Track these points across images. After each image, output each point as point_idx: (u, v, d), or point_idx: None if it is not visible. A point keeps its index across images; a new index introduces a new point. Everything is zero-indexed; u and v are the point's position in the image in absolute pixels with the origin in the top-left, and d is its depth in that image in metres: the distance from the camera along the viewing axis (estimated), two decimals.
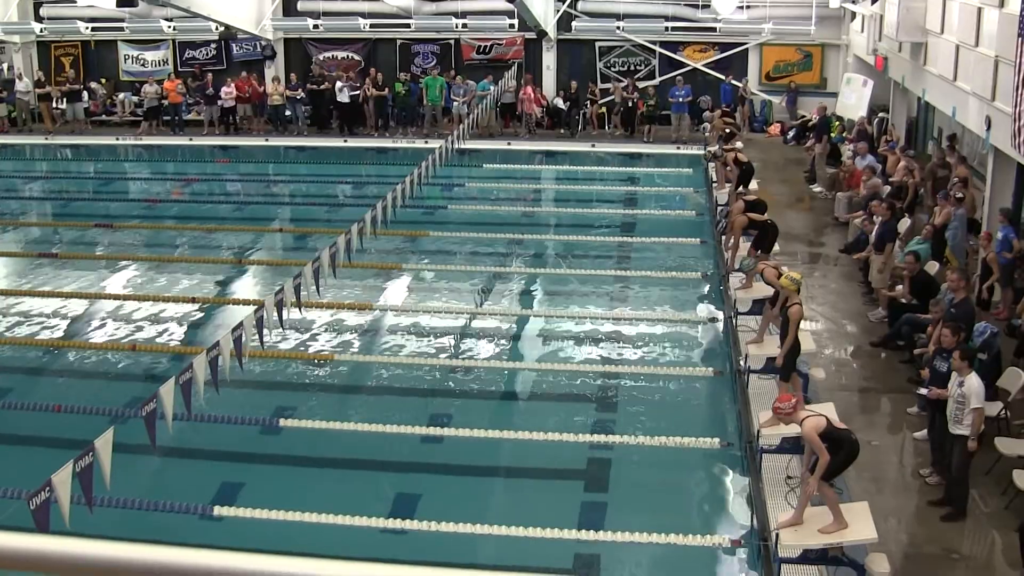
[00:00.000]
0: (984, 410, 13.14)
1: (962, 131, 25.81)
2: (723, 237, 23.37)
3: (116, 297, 23.22)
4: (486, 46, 40.82)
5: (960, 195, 22.50)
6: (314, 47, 41.74)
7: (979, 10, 21.79)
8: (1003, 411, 14.92)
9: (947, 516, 13.22)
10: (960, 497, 13.31)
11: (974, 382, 13.00)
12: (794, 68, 39.35)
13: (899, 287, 19.45)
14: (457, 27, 39.31)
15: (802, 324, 15.51)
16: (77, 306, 22.70)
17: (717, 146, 29.67)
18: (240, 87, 39.48)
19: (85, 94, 40.75)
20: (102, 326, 21.66)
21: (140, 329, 21.25)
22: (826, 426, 11.98)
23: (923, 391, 14.54)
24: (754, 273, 18.62)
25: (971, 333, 15.68)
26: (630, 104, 37.93)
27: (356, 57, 41.53)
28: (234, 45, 41.90)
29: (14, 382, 19.10)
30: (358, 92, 38.94)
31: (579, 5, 39.42)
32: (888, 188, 25.49)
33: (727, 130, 31.28)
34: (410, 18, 39.32)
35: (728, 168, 26.53)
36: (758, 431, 14.45)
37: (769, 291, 17.55)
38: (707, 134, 34.64)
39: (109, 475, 10.21)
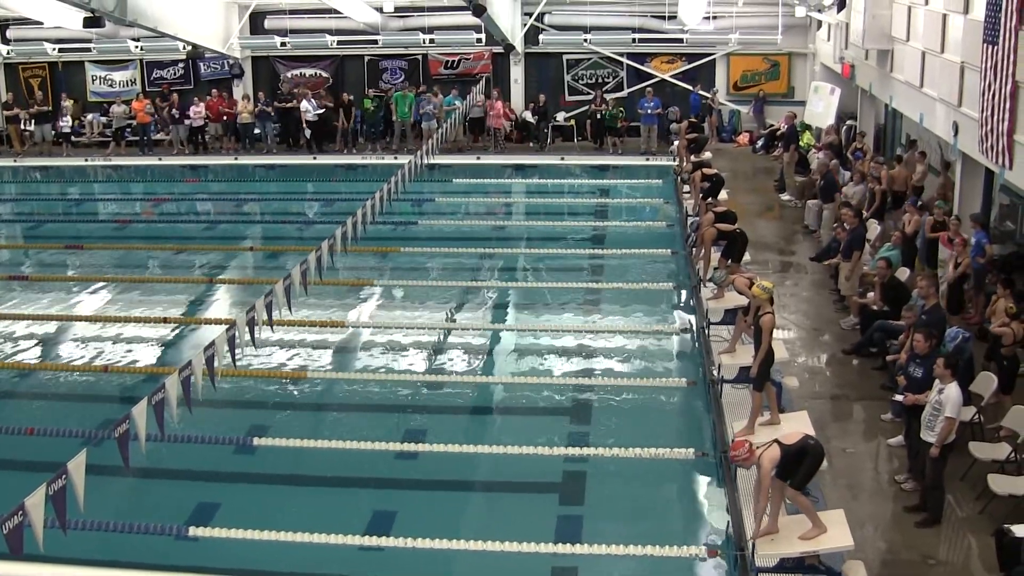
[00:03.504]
0: (956, 420, 13.17)
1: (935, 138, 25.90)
2: (693, 249, 23.40)
3: (87, 318, 23.11)
4: (454, 61, 40.85)
5: (921, 203, 22.71)
6: (282, 65, 41.69)
7: (944, 16, 21.92)
8: (976, 415, 14.98)
9: (923, 522, 13.27)
10: (936, 502, 13.35)
11: (953, 392, 13.05)
12: (762, 77, 39.51)
13: (870, 294, 19.53)
14: (425, 42, 39.24)
15: (775, 333, 15.54)
16: (48, 328, 22.59)
17: (685, 164, 29.70)
18: (212, 107, 39.42)
19: (68, 116, 40.50)
20: (74, 348, 21.57)
21: (112, 350, 21.16)
22: (780, 452, 12.02)
23: (899, 397, 14.59)
24: (726, 284, 18.66)
25: (943, 338, 15.76)
26: (599, 116, 38.04)
27: (324, 74, 41.51)
28: (202, 64, 41.78)
29: None
30: (323, 110, 38.89)
31: (546, 18, 39.48)
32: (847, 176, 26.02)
33: (691, 144, 31.36)
34: (377, 34, 39.26)
35: (696, 184, 26.55)
36: (732, 440, 14.47)
37: (741, 301, 17.58)
38: (673, 146, 34.65)
39: (83, 498, 10.14)
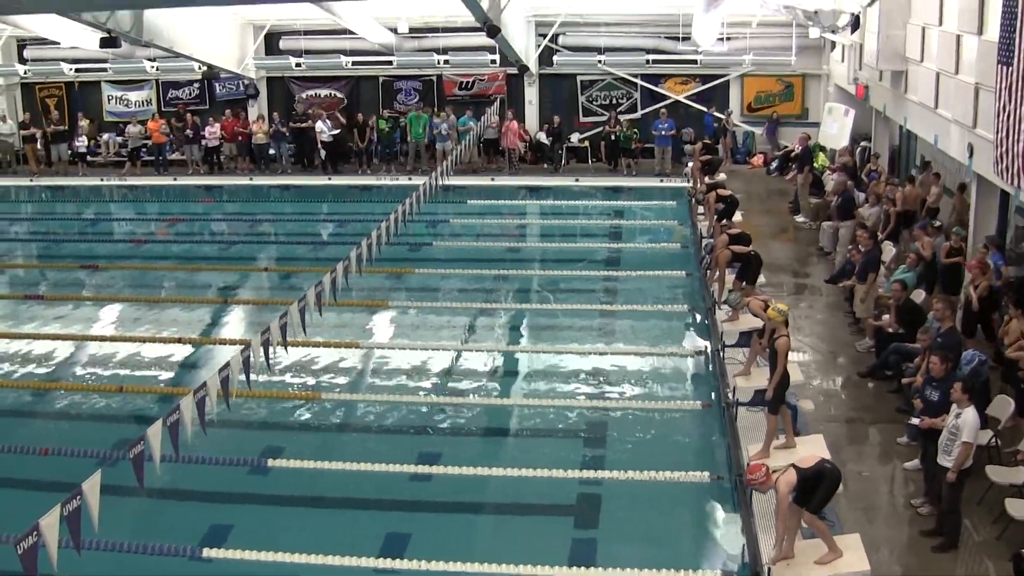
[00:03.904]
0: (973, 445, 13.11)
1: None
2: (708, 271, 23.38)
3: (103, 338, 23.14)
4: (468, 82, 40.91)
5: (938, 224, 22.64)
6: (296, 85, 41.78)
7: (958, 37, 21.89)
8: (993, 439, 14.91)
9: (939, 546, 13.19)
10: (952, 527, 13.28)
11: (970, 416, 13.00)
12: (776, 99, 39.48)
13: (886, 316, 19.47)
14: (439, 63, 39.31)
15: (790, 355, 15.50)
16: (64, 348, 22.63)
17: (700, 186, 29.66)
18: (227, 127, 39.56)
19: (84, 136, 40.63)
20: (89, 367, 21.61)
21: (127, 370, 21.20)
22: (797, 477, 11.99)
23: (915, 421, 14.53)
24: (741, 306, 18.63)
25: (959, 361, 15.71)
26: (613, 138, 38.09)
27: (339, 95, 41.58)
28: (217, 84, 41.96)
29: (1, 425, 18.98)
30: (338, 131, 38.99)
31: (560, 40, 39.52)
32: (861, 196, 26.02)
33: (705, 165, 31.35)
34: (392, 55, 39.33)
35: (711, 205, 26.48)
36: (748, 464, 14.44)
37: (756, 323, 17.56)
38: (687, 168, 34.63)
39: (97, 518, 10.14)
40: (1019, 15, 16.89)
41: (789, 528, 12.15)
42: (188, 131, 39.65)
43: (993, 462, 14.57)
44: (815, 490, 12.05)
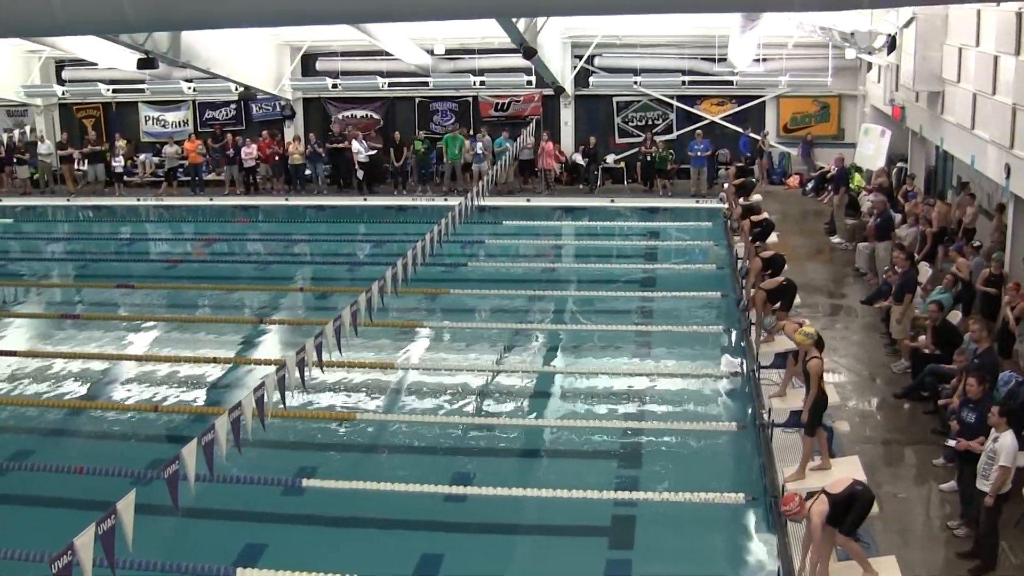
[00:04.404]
0: (1012, 469, 13.01)
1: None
2: (743, 301, 23.26)
3: (138, 358, 23.22)
4: (504, 103, 40.97)
5: (977, 244, 22.52)
6: (333, 106, 41.95)
7: (995, 58, 21.79)
8: None
9: (976, 569, 13.09)
10: (989, 549, 13.17)
11: (1008, 440, 12.90)
12: (811, 119, 39.41)
13: (922, 337, 19.38)
14: (475, 84, 39.39)
15: (826, 376, 15.43)
16: (99, 367, 22.75)
17: (735, 208, 29.52)
18: (263, 148, 39.77)
19: (121, 156, 40.89)
20: (124, 387, 21.70)
21: (162, 390, 21.26)
22: (829, 504, 11.95)
23: (951, 442, 14.44)
24: (776, 329, 18.57)
25: (996, 383, 15.61)
26: (649, 158, 38.09)
27: (375, 116, 41.71)
28: (253, 105, 42.15)
29: (37, 444, 19.02)
30: (374, 152, 39.14)
31: (596, 61, 39.57)
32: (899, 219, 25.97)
33: (739, 188, 31.27)
34: (428, 76, 39.43)
35: (745, 232, 26.34)
36: (783, 485, 14.38)
37: (791, 344, 17.49)
38: (723, 192, 34.58)
39: (132, 537, 10.16)
40: None
41: (823, 553, 12.08)
42: (229, 151, 39.83)
43: None
44: (847, 513, 11.99)
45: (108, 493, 11.38)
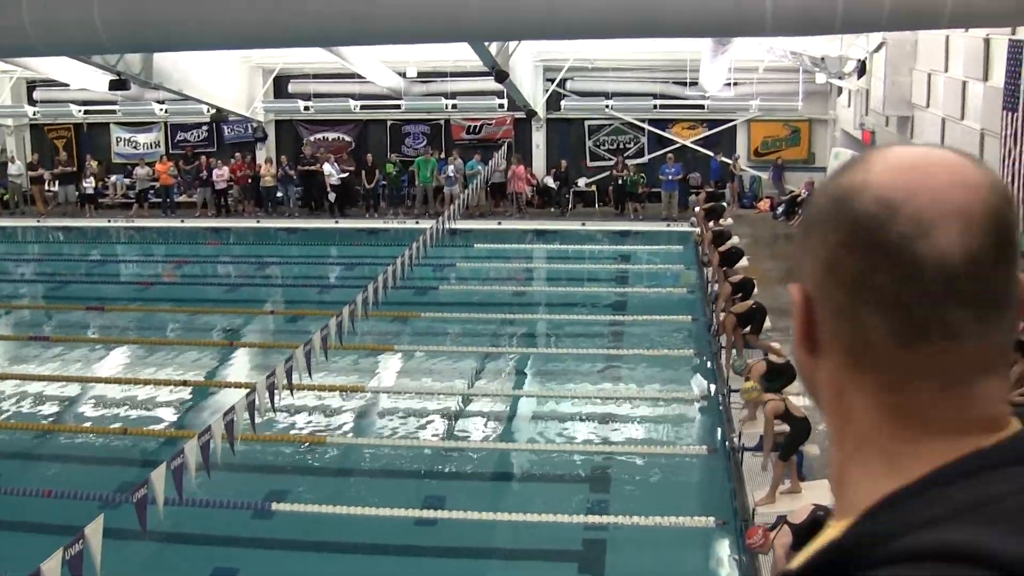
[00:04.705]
0: None
1: None
2: (713, 328, 23.29)
3: (107, 380, 23.13)
4: (476, 126, 41.05)
5: None
6: (305, 128, 41.94)
7: (964, 84, 21.99)
8: None
9: None
10: None
11: None
12: (782, 143, 39.60)
13: None
14: (447, 107, 39.46)
15: (797, 400, 15.46)
16: (68, 389, 22.62)
17: (705, 233, 29.56)
18: (234, 170, 39.73)
19: (92, 178, 40.78)
20: (93, 409, 21.58)
21: (131, 412, 21.16)
22: (792, 535, 12.01)
23: None
24: (745, 372, 18.58)
25: None
26: (620, 182, 38.17)
27: (347, 138, 41.73)
28: (225, 127, 42.12)
29: (3, 467, 18.90)
30: (346, 174, 39.14)
31: (568, 84, 39.70)
32: None
33: (709, 212, 31.37)
34: (400, 99, 39.48)
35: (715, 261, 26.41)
36: (753, 509, 14.40)
37: (772, 356, 17.57)
38: (693, 217, 34.67)
39: (100, 562, 10.11)
40: (1023, 61, 16.97)
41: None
42: (201, 173, 39.81)
43: None
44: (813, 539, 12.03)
45: (76, 517, 11.33)
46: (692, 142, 39.98)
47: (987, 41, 20.38)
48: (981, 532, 1.32)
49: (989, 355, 1.48)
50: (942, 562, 1.31)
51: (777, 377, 17.43)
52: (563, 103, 39.33)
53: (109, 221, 39.99)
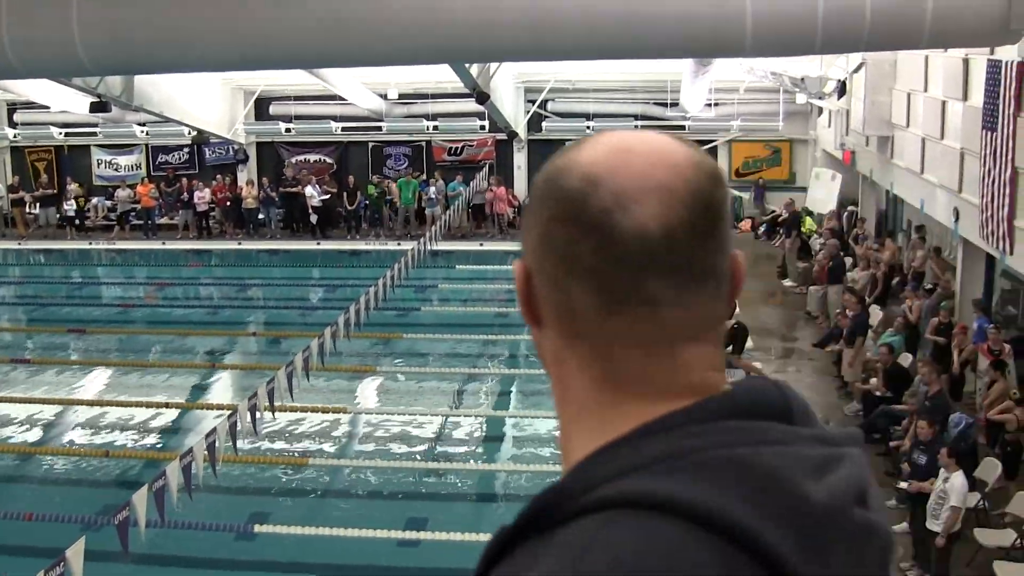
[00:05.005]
0: (962, 510, 13.12)
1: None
2: None
3: (89, 403, 23.03)
4: (458, 147, 41.07)
5: (929, 286, 22.75)
6: (286, 150, 41.92)
7: (943, 103, 22.07)
8: (981, 502, 14.90)
9: None
10: None
11: (958, 481, 13.02)
12: (763, 164, 39.70)
13: (873, 380, 19.51)
14: (428, 129, 39.50)
15: None
16: (49, 412, 22.54)
17: None
18: (216, 192, 39.71)
19: (73, 200, 40.69)
20: (74, 431, 21.52)
21: (113, 435, 21.11)
22: None
23: (903, 485, 14.54)
24: None
25: (947, 424, 15.72)
26: None
27: (328, 160, 41.72)
28: (207, 149, 42.08)
29: None
30: (328, 196, 39.13)
31: (549, 105, 39.74)
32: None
33: None
34: (381, 121, 39.49)
35: None
36: None
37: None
38: None
39: None
40: (1002, 81, 17.06)
41: None
42: (183, 195, 39.78)
43: (981, 525, 14.57)
44: None
45: (58, 540, 11.30)
46: None
47: (966, 61, 20.45)
48: (670, 481, 1.38)
49: (693, 323, 1.54)
50: (630, 508, 1.36)
51: None
52: (544, 124, 39.34)
53: (90, 243, 39.91)
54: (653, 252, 1.47)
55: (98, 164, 43.18)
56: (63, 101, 34.65)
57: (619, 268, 1.48)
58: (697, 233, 1.50)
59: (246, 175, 41.44)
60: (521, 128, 39.27)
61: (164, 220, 40.84)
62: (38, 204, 41.09)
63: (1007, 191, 17.04)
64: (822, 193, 33.53)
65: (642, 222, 1.47)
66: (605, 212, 1.48)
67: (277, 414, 17.63)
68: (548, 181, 1.57)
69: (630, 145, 1.56)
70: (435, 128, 39.42)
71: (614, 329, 1.52)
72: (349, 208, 39.21)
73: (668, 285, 1.49)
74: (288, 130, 40.04)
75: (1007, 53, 17.17)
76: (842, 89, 29.80)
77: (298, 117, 40.32)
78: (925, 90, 23.87)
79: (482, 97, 28.73)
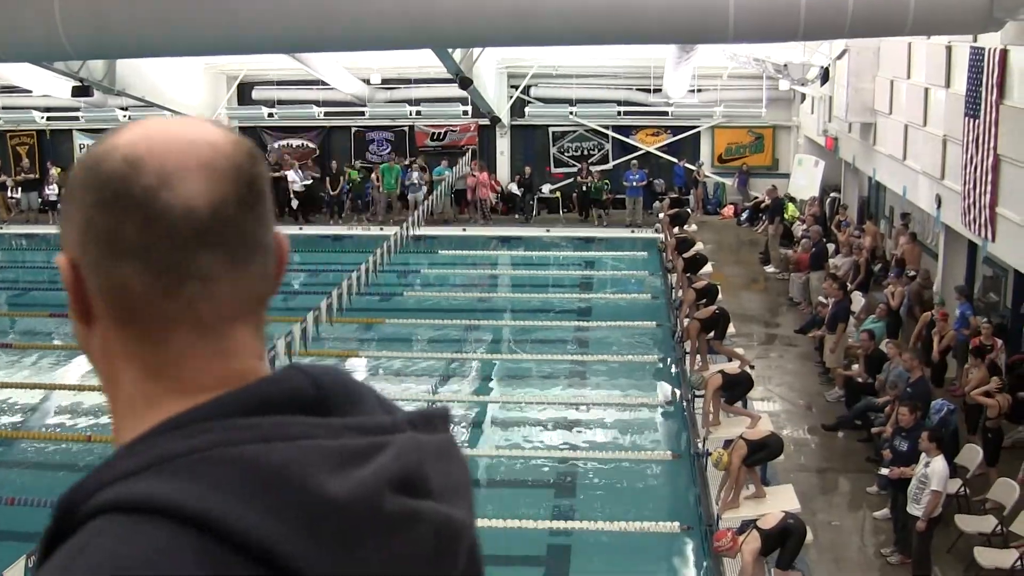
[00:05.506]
0: (942, 494, 13.18)
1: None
2: (678, 333, 23.34)
3: (71, 387, 22.99)
4: (440, 133, 40.99)
5: (912, 273, 22.80)
6: (269, 135, 41.79)
7: (926, 90, 22.11)
8: (962, 488, 14.97)
9: None
10: None
11: (939, 465, 13.07)
12: (746, 150, 39.67)
13: (855, 366, 19.57)
14: (411, 114, 39.43)
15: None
16: (32, 396, 22.52)
17: (669, 239, 29.65)
18: None
19: (55, 184, 40.53)
20: (57, 416, 21.49)
21: (95, 419, 21.06)
22: (761, 540, 12.06)
23: (884, 471, 14.59)
24: (702, 387, 18.50)
25: (928, 411, 15.77)
26: (584, 188, 38.18)
27: (311, 145, 41.61)
28: None
29: None
30: (310, 181, 39.04)
31: (532, 91, 39.68)
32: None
33: (673, 219, 31.54)
34: (364, 106, 39.42)
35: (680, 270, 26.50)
36: (718, 515, 14.45)
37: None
38: (658, 223, 34.71)
39: None
40: (985, 68, 17.09)
41: None
42: None
43: (962, 511, 14.65)
44: (782, 546, 12.09)
45: (40, 524, 11.24)
46: (656, 149, 39.99)
47: (949, 48, 20.48)
48: (162, 482, 1.36)
49: (244, 298, 1.56)
50: (120, 513, 1.35)
51: (735, 387, 17.59)
52: (527, 110, 39.33)
53: None
54: (202, 226, 1.48)
55: (80, 149, 42.91)
56: (45, 85, 34.49)
57: (169, 244, 1.48)
58: (243, 207, 1.53)
59: None
60: (504, 114, 39.21)
61: None
62: (20, 188, 40.89)
63: (989, 178, 17.09)
64: (805, 180, 33.62)
65: (188, 197, 1.48)
66: (150, 190, 1.48)
67: None
68: (88, 168, 1.56)
69: (168, 127, 1.57)
70: (418, 113, 39.36)
71: (166, 310, 1.51)
72: (332, 193, 39.11)
73: (219, 258, 1.50)
74: (271, 115, 39.94)
75: (990, 40, 17.20)
76: (825, 76, 29.82)
77: (281, 102, 40.20)
78: (908, 77, 23.91)
79: (465, 82, 28.70)
